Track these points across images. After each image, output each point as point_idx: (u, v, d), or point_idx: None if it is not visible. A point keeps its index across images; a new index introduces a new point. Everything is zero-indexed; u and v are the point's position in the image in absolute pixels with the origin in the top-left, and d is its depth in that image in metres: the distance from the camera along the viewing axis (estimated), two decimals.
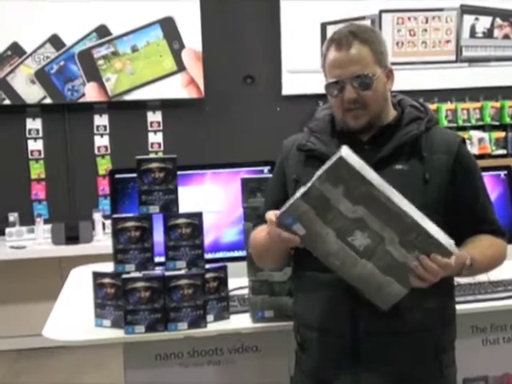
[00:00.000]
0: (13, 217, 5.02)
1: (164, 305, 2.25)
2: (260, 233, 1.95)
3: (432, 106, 5.36)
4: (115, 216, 2.35)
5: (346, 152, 1.61)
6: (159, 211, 2.30)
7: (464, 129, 5.47)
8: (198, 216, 2.32)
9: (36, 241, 4.91)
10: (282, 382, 2.48)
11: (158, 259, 2.35)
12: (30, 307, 4.81)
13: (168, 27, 5.02)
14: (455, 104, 5.47)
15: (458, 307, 2.04)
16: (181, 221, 2.30)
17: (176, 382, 2.48)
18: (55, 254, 4.76)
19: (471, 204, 1.92)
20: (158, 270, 2.31)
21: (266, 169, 2.69)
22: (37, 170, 5.15)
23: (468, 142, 5.42)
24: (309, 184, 1.64)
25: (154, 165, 2.28)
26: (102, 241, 4.79)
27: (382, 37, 1.91)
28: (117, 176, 2.62)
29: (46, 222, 5.02)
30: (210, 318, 2.32)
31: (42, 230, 4.94)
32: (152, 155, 5.01)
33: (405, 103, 1.96)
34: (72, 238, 4.85)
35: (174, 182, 2.30)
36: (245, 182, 2.33)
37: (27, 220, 5.05)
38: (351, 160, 1.61)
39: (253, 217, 2.30)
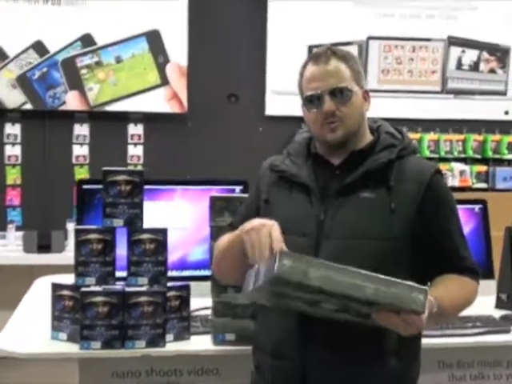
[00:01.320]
0: None
1: (122, 321, 2.18)
2: (227, 237, 1.92)
3: (415, 136, 5.37)
4: (78, 227, 2.29)
5: (280, 268, 1.52)
6: (123, 225, 2.25)
7: (446, 160, 5.47)
8: (163, 232, 2.26)
9: (7, 247, 4.83)
10: None
11: (120, 274, 2.29)
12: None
13: (154, 40, 5.00)
14: (438, 135, 5.47)
15: (425, 341, 1.99)
16: (145, 236, 2.25)
17: None
18: (26, 261, 4.69)
19: (441, 238, 1.84)
20: (119, 285, 2.25)
21: (237, 188, 2.65)
22: (13, 176, 5.09)
23: (449, 173, 5.42)
24: (251, 288, 1.64)
25: (121, 177, 2.23)
26: None
27: (358, 60, 1.91)
28: (84, 186, 2.56)
29: (18, 228, 4.95)
30: (169, 337, 2.26)
31: (14, 236, 4.87)
32: (131, 168, 4.96)
33: (382, 129, 1.92)
34: (44, 247, 4.78)
35: (139, 196, 2.25)
36: (213, 201, 2.28)
37: (0, 226, 4.98)
38: (287, 275, 1.53)
39: (220, 236, 2.27)
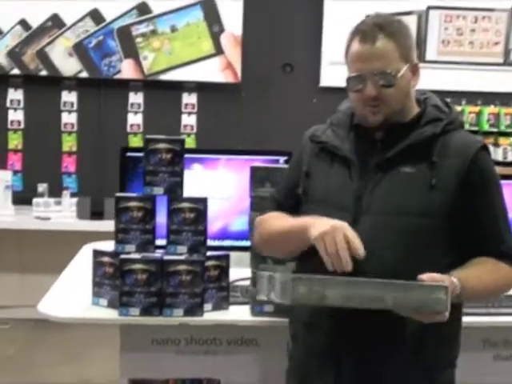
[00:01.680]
0: (42, 187, 5.04)
1: (161, 289, 2.19)
2: (279, 219, 1.89)
3: (474, 109, 5.21)
4: (118, 195, 2.30)
5: (296, 295, 1.56)
6: (163, 193, 2.25)
7: (506, 134, 5.30)
8: (203, 202, 2.25)
9: (61, 213, 4.92)
10: (280, 378, 2.41)
11: (159, 242, 2.29)
12: (51, 279, 4.81)
13: (209, 9, 4.96)
14: (499, 108, 5.29)
15: (469, 319, 1.94)
16: (185, 205, 2.24)
17: (172, 368, 2.43)
18: (78, 228, 4.76)
19: (481, 217, 1.77)
20: (158, 253, 2.25)
21: (281, 159, 2.61)
22: (69, 143, 5.17)
23: (510, 148, 5.26)
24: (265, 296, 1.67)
25: (162, 145, 2.23)
26: None
27: (409, 30, 1.80)
28: (128, 154, 2.57)
29: (73, 195, 5.03)
30: (207, 307, 2.26)
31: (69, 203, 4.95)
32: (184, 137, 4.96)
33: (428, 102, 1.84)
34: (97, 214, 4.85)
35: (180, 165, 2.24)
36: (254, 171, 2.26)
37: (56, 192, 5.07)
38: (304, 300, 1.57)
39: (260, 206, 2.25)
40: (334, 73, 5.10)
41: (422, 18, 5.10)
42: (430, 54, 5.09)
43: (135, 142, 5.14)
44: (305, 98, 5.18)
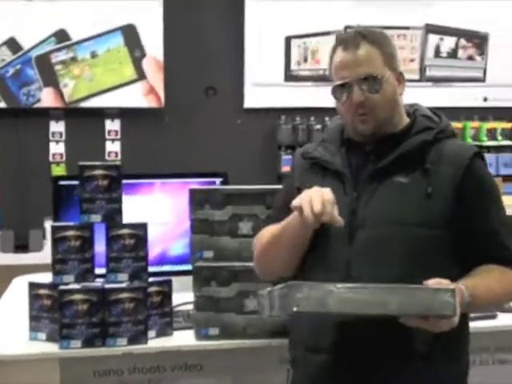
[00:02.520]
0: None
1: (103, 319, 2.14)
2: (271, 228, 1.85)
3: None
4: (54, 224, 2.25)
5: (295, 303, 1.49)
6: (101, 220, 2.20)
7: None
8: (143, 227, 2.22)
9: None
10: None
11: (99, 271, 2.24)
12: None
13: (129, 34, 4.92)
14: None
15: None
16: (124, 231, 2.20)
17: None
18: (3, 261, 4.60)
19: (481, 225, 1.73)
20: (98, 283, 2.20)
21: (217, 180, 2.60)
22: None
23: None
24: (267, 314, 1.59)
25: (98, 172, 2.18)
26: None
27: (391, 41, 1.81)
28: (61, 183, 2.50)
29: None
30: (151, 333, 2.22)
31: None
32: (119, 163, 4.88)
33: (418, 113, 1.83)
34: (21, 247, 4.71)
35: (118, 191, 2.20)
36: (193, 193, 2.24)
37: None
38: (304, 308, 1.49)
39: (201, 229, 2.23)
40: (257, 94, 5.16)
41: None
42: None
43: (58, 171, 5.02)
44: (229, 120, 5.19)
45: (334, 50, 1.78)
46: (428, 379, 1.70)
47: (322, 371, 1.74)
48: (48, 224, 4.78)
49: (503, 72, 5.46)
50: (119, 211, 2.21)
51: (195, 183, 2.48)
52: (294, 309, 1.47)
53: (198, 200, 2.23)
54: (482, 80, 5.50)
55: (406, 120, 1.82)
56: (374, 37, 1.75)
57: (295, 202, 1.64)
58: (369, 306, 1.47)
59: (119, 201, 2.21)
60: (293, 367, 1.90)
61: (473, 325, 1.87)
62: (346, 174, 1.78)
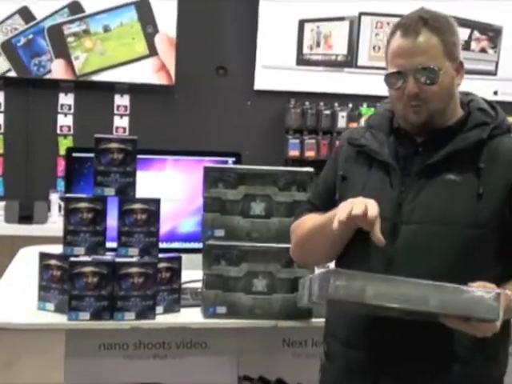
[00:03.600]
0: None
1: (112, 292, 2.14)
2: (311, 219, 1.80)
3: None
4: (68, 196, 2.24)
5: (334, 290, 1.43)
6: (115, 194, 2.19)
7: None
8: (156, 202, 2.21)
9: None
10: (228, 383, 2.39)
11: (110, 244, 2.24)
12: None
13: (143, 10, 4.89)
14: None
15: None
16: (137, 206, 2.20)
17: (118, 374, 2.37)
18: (7, 232, 4.60)
19: None
20: (109, 256, 2.20)
21: (230, 160, 2.60)
22: None
23: None
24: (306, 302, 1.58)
25: (113, 145, 2.17)
26: (57, 223, 4.61)
27: (455, 27, 1.70)
28: (74, 155, 2.49)
29: (0, 199, 4.86)
30: (159, 309, 2.23)
31: None
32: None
33: (473, 105, 1.74)
34: (26, 218, 4.70)
35: (132, 165, 2.20)
36: (207, 171, 2.23)
37: None
38: (342, 296, 1.44)
39: (213, 207, 2.23)
40: (268, 76, 5.14)
41: (354, 24, 5.17)
42: (362, 59, 5.17)
43: (65, 144, 5.00)
44: (239, 101, 5.17)
45: (392, 34, 1.69)
46: (466, 383, 1.67)
47: (359, 367, 1.72)
48: (53, 196, 4.78)
49: None
50: (133, 185, 2.21)
51: (208, 161, 2.47)
52: (331, 295, 1.44)
53: (211, 178, 2.23)
54: (494, 74, 5.47)
55: (460, 112, 1.74)
56: (436, 23, 1.65)
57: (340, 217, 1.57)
58: (408, 300, 1.43)
59: (133, 175, 2.20)
60: (327, 358, 1.86)
61: None
62: (394, 166, 1.71)
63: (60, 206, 4.76)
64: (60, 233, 2.20)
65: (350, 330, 1.73)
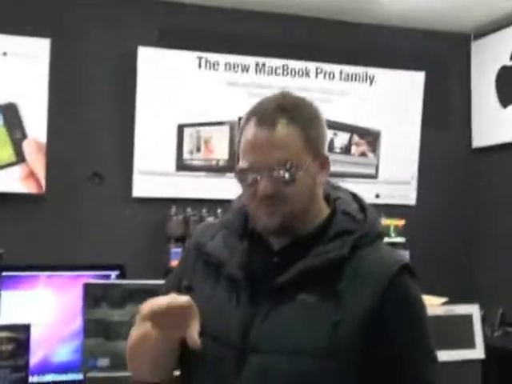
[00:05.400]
0: None
1: None
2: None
3: None
4: None
5: None
6: None
7: None
8: (25, 329, 1.86)
9: None
10: None
11: None
12: None
13: (10, 114, 4.56)
14: None
15: None
16: (1, 335, 1.84)
17: None
18: None
19: (400, 359, 1.39)
20: None
21: (113, 274, 2.28)
22: None
23: None
24: None
25: None
26: None
27: (320, 115, 1.48)
28: None
29: None
30: None
31: None
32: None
33: (339, 206, 1.50)
34: None
35: None
36: (87, 289, 1.93)
37: None
38: None
39: (95, 331, 1.91)
40: (146, 183, 4.90)
41: (234, 128, 5.07)
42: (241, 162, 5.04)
43: None
44: (117, 209, 4.86)
45: (246, 121, 1.46)
46: None
47: None
48: None
49: (394, 169, 5.50)
50: None
51: (88, 277, 2.15)
52: None
53: (93, 297, 1.93)
54: (375, 177, 5.50)
55: (325, 212, 1.49)
56: (297, 114, 1.43)
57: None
58: None
59: None
60: None
61: None
62: (243, 284, 1.45)
63: None
64: None
65: None
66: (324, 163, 1.47)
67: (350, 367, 1.35)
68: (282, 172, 1.39)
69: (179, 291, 1.48)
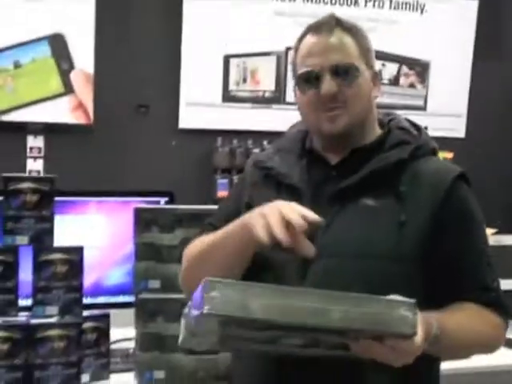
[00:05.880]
0: None
1: (27, 361, 1.81)
2: (206, 239, 1.54)
3: None
4: None
5: (209, 303, 1.11)
6: (28, 243, 1.88)
7: None
8: (78, 251, 1.91)
9: None
10: None
11: (23, 303, 1.94)
12: None
13: (57, 44, 4.57)
14: None
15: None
16: (55, 256, 1.90)
17: None
18: None
19: (459, 261, 1.46)
20: (22, 317, 1.88)
21: (162, 200, 2.31)
22: None
23: None
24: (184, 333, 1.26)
25: (26, 185, 1.86)
26: None
27: (368, 36, 1.55)
28: None
29: None
30: (85, 377, 1.94)
31: None
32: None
33: (394, 124, 1.56)
34: None
35: (49, 208, 1.89)
36: (138, 213, 1.95)
37: None
38: (220, 311, 1.12)
39: (146, 254, 1.95)
40: (193, 114, 4.90)
41: (281, 59, 5.01)
42: (290, 95, 4.99)
43: None
44: (163, 141, 4.88)
45: (301, 39, 1.52)
46: None
47: None
48: None
49: (444, 101, 5.39)
50: (50, 232, 1.90)
51: (137, 202, 2.17)
52: (205, 310, 1.11)
53: (143, 221, 1.95)
54: (424, 108, 5.41)
55: (379, 131, 1.56)
56: (350, 25, 1.52)
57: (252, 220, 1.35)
58: (303, 314, 1.13)
59: (50, 220, 1.90)
60: None
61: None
62: (305, 192, 1.48)
63: None
64: None
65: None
66: (375, 79, 1.54)
67: (415, 268, 1.42)
68: (343, 71, 1.46)
69: (238, 212, 1.50)
